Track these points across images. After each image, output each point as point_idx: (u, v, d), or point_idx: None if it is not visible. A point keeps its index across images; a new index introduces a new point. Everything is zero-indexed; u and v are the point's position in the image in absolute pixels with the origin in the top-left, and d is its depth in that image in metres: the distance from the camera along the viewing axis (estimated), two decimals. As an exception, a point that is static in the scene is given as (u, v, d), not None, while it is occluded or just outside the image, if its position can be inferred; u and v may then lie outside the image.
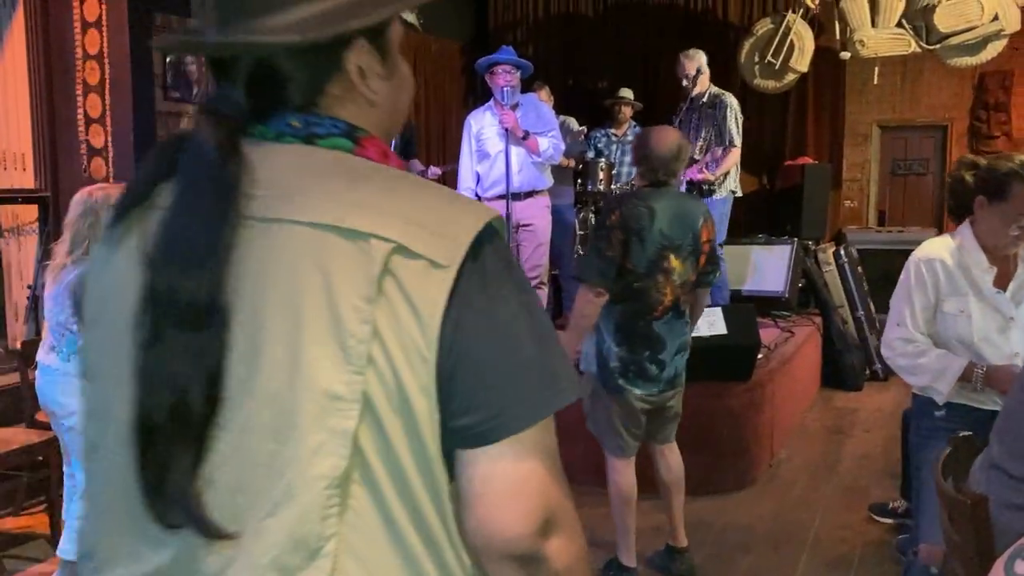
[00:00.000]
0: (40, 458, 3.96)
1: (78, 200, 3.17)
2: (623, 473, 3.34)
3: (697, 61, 5.78)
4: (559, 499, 0.87)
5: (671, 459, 3.49)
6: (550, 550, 0.87)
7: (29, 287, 4.70)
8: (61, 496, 3.54)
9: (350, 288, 0.82)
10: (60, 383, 3.38)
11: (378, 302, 0.82)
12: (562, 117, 6.35)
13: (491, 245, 0.86)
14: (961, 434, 2.17)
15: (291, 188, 0.86)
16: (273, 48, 0.89)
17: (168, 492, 0.83)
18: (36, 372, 3.47)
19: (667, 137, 3.29)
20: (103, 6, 4.80)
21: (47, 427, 3.73)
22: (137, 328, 0.84)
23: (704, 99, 5.83)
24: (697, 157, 5.82)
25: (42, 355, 3.41)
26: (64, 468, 3.49)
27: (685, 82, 5.80)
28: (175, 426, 0.83)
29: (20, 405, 4.07)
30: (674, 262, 3.21)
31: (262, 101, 0.90)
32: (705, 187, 5.76)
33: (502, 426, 0.84)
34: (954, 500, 1.88)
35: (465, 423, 0.84)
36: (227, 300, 0.83)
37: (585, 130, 6.71)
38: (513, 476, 0.85)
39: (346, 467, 0.82)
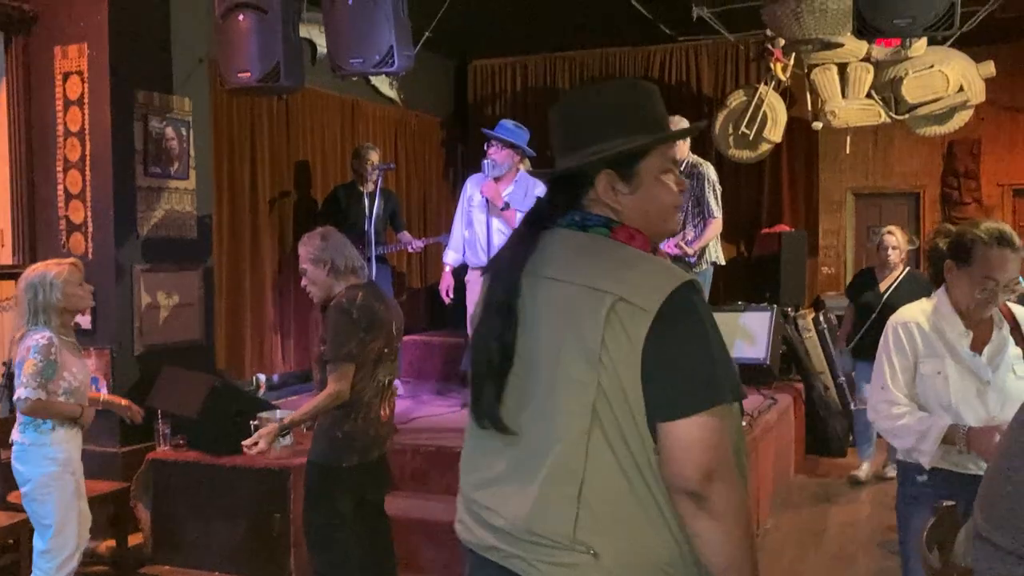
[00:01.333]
0: (11, 541, 3.86)
1: (23, 277, 3.59)
2: None
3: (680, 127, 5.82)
4: (721, 461, 1.41)
5: None
6: (713, 492, 1.39)
7: (4, 364, 4.64)
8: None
9: (590, 322, 1.43)
10: (15, 453, 3.39)
11: (606, 330, 1.41)
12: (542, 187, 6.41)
13: (681, 298, 1.42)
14: (944, 504, 2.15)
15: (569, 259, 1.53)
16: (566, 172, 1.57)
17: (485, 413, 1.55)
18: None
19: None
20: (86, 84, 4.85)
21: (19, 508, 3.65)
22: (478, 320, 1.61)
23: (682, 168, 5.89)
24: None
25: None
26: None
27: None
28: (487, 372, 1.54)
29: (-8, 486, 3.98)
30: None
31: (564, 202, 1.59)
32: (685, 260, 5.78)
33: (679, 409, 1.40)
34: (940, 574, 1.86)
35: (657, 405, 1.41)
36: (515, 306, 1.53)
37: None
38: (686, 440, 1.39)
39: (589, 424, 1.43)
